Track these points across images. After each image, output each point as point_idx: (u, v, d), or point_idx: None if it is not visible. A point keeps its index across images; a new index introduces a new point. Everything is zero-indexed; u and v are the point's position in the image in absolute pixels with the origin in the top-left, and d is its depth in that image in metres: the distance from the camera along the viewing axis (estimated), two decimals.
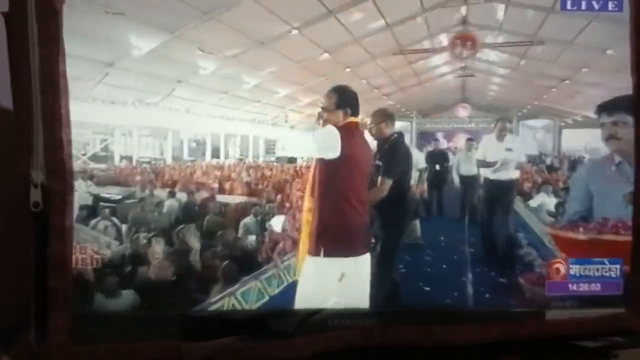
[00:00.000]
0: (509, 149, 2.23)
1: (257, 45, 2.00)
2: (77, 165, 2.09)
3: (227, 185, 2.24)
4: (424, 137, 2.50)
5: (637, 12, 1.52)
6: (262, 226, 1.92)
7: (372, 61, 2.10)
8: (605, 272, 1.60)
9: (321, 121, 1.71)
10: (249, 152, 2.40)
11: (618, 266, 1.60)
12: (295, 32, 1.99)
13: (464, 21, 1.94)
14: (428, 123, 2.47)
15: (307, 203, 1.68)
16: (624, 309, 1.54)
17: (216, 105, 2.27)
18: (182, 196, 2.07)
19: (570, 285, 1.61)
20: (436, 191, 2.39)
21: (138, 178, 2.09)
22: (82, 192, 1.87)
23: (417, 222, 2.11)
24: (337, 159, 1.62)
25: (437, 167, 2.44)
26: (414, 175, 2.05)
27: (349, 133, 1.66)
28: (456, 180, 2.45)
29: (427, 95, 2.41)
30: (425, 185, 2.26)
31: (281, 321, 1.48)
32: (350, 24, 1.99)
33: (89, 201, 1.87)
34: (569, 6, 1.57)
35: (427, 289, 1.83)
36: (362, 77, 2.14)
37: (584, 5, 1.56)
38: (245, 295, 1.70)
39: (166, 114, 2.14)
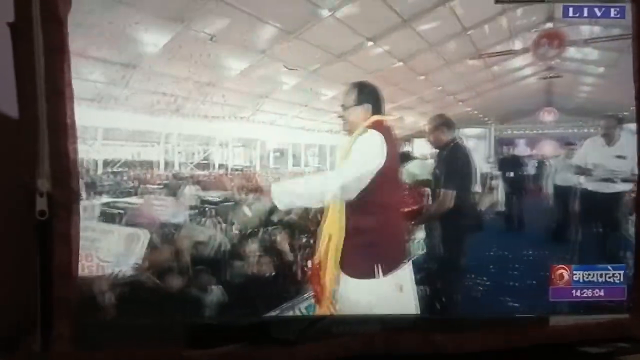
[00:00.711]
0: (620, 156, 1.94)
1: (335, 58, 2.10)
2: (185, 172, 2.50)
3: None
4: (503, 144, 2.31)
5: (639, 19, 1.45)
6: None
7: (447, 67, 2.03)
8: (609, 278, 1.56)
9: (342, 121, 1.62)
10: (327, 160, 2.51)
11: (622, 272, 1.55)
12: (370, 43, 2.04)
13: (550, 17, 1.78)
14: (509, 129, 2.28)
15: (337, 222, 1.52)
16: (627, 315, 1.51)
17: (297, 117, 2.42)
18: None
19: (573, 291, 1.59)
20: (515, 201, 2.19)
21: (233, 183, 2.35)
22: (190, 195, 2.20)
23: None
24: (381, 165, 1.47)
25: (511, 174, 2.22)
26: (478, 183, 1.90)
27: (385, 133, 1.51)
28: (550, 190, 2.18)
29: (506, 100, 2.24)
30: (500, 195, 2.10)
31: (284, 328, 1.50)
32: (424, 31, 1.98)
33: (197, 202, 2.18)
34: (570, 14, 1.57)
35: (517, 305, 1.71)
36: (437, 85, 2.09)
37: (585, 12, 1.49)
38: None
39: (255, 127, 2.36)
